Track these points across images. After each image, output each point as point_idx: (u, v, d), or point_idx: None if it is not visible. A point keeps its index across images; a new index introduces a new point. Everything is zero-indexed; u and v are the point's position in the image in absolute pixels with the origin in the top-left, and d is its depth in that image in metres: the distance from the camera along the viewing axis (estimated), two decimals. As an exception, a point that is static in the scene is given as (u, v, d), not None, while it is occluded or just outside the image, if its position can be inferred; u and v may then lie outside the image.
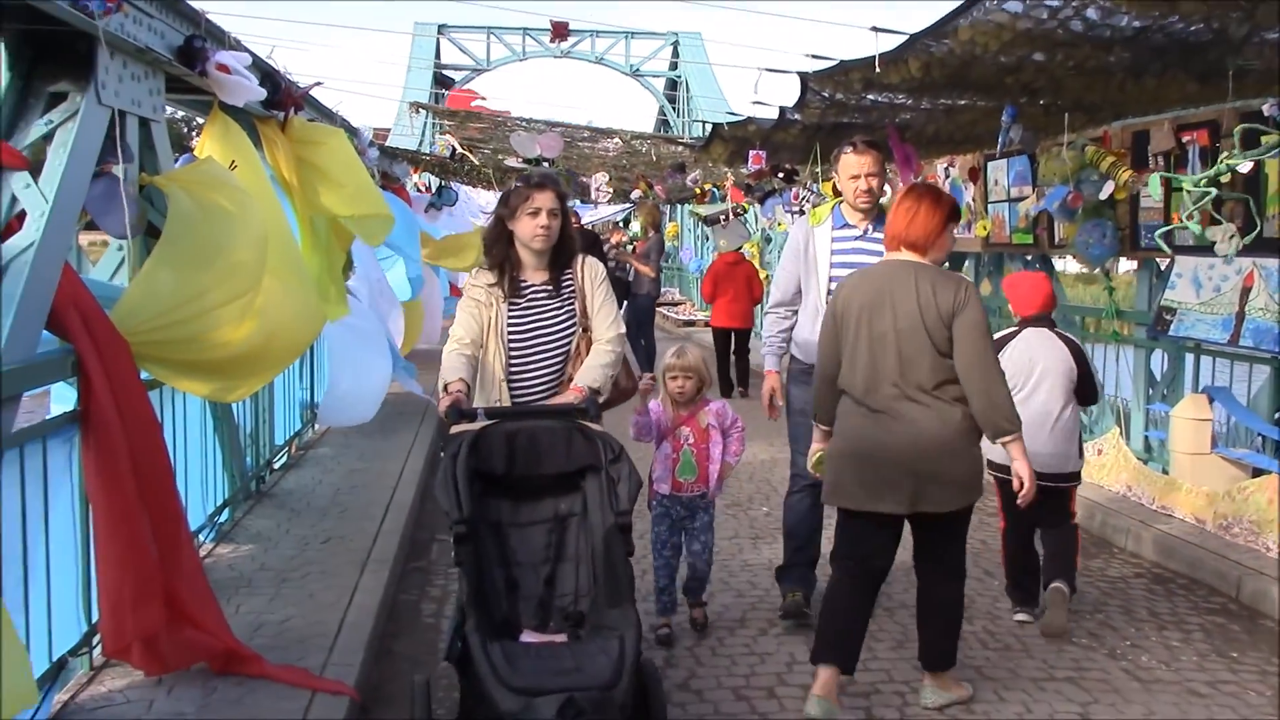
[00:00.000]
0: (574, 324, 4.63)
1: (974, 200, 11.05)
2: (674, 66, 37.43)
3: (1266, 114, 6.37)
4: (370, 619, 5.16)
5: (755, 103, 7.77)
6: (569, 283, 4.67)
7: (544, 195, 4.49)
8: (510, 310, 4.58)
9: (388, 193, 12.07)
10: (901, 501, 4.25)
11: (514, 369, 4.59)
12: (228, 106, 5.94)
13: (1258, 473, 7.28)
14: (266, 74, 7.21)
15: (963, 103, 6.60)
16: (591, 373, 4.54)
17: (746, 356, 13.21)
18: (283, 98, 7.35)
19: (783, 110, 7.50)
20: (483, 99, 16.00)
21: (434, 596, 5.98)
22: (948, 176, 11.51)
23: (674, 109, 36.34)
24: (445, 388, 4.41)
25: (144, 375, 4.35)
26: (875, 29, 4.83)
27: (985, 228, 10.81)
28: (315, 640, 4.82)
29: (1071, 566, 5.57)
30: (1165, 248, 7.05)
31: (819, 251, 5.28)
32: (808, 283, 5.34)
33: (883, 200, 5.29)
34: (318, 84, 7.83)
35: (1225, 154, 7.29)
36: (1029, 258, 10.81)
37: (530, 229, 4.49)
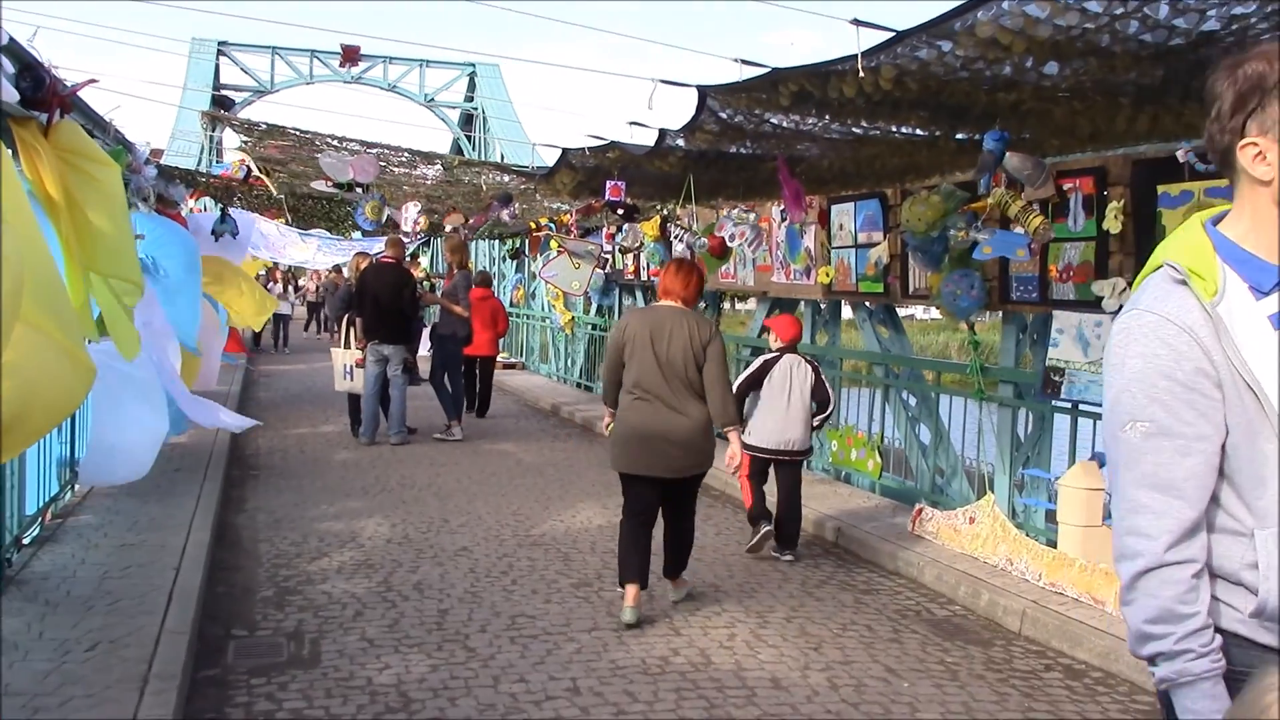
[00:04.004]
0: None
1: (814, 245, 10.47)
2: (470, 99, 36.33)
3: (1182, 160, 5.86)
4: (155, 768, 3.94)
5: (632, 123, 6.87)
6: None
7: None
8: None
9: (164, 219, 10.66)
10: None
11: None
12: (-28, 101, 4.67)
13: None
14: (27, 65, 5.92)
15: (902, 131, 5.83)
16: None
17: (490, 382, 15.39)
18: (47, 96, 6.07)
19: (663, 133, 6.59)
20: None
21: (235, 720, 4.76)
22: (783, 219, 10.90)
23: (469, 141, 35.21)
24: None
25: None
26: (856, 21, 3.95)
27: (828, 274, 10.23)
28: (80, 809, 3.59)
29: (799, 518, 7.93)
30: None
31: (1253, 357, 2.02)
32: (1257, 442, 2.02)
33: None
34: (92, 81, 6.51)
35: (1114, 203, 6.88)
36: (870, 306, 10.27)
37: None
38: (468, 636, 5.81)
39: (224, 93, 33.56)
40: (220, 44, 34.58)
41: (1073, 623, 6.08)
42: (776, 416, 7.75)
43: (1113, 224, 6.85)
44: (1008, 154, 5.41)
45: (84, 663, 4.89)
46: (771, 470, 7.90)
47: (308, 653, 5.52)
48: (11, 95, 4.59)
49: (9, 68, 4.64)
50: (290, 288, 30.51)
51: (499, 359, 22.47)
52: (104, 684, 4.65)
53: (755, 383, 7.81)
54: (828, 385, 8.13)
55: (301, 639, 5.72)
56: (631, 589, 6.18)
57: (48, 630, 5.29)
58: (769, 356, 7.93)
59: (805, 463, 8.28)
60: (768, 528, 7.74)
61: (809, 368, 7.92)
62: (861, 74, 4.15)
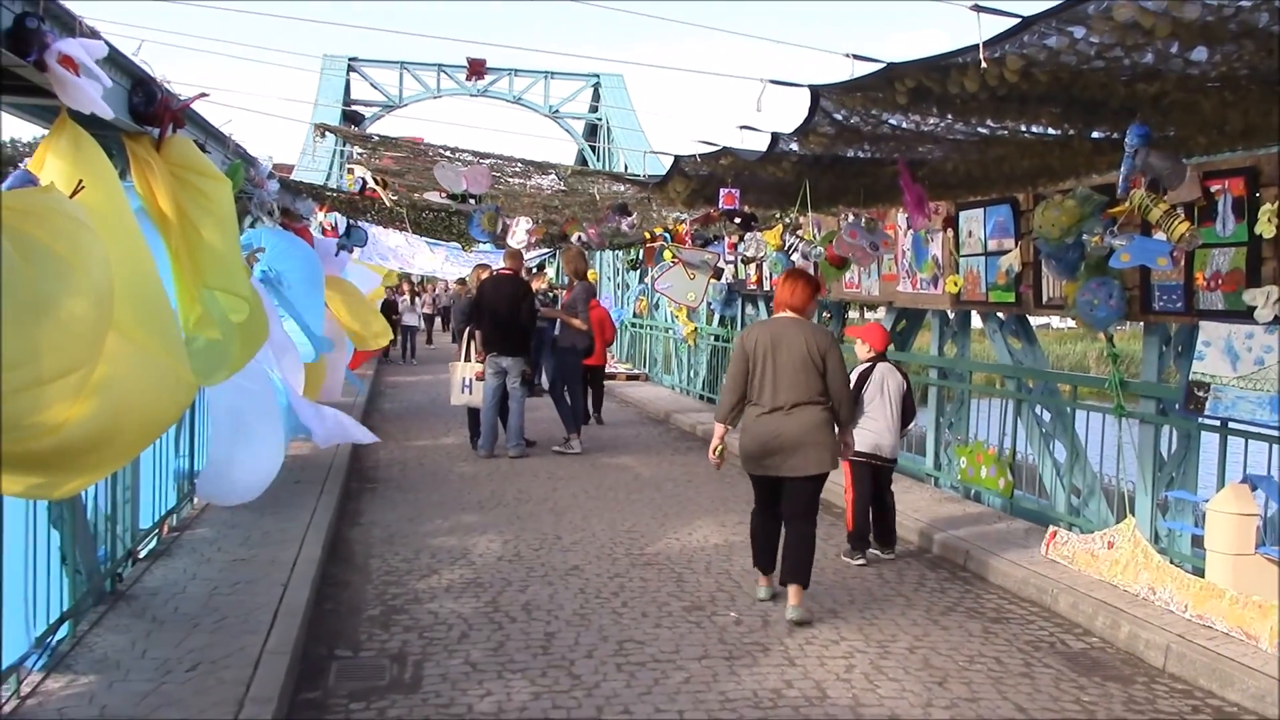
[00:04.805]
0: None
1: (942, 253, 10.05)
2: (594, 109, 36.39)
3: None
4: (242, 800, 3.81)
5: (743, 127, 6.59)
6: None
7: None
8: None
9: (286, 232, 10.75)
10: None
11: None
12: (84, 117, 4.63)
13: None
14: (139, 81, 5.94)
15: (1030, 130, 5.42)
16: None
17: (602, 389, 15.65)
18: (158, 110, 6.08)
19: (776, 137, 6.30)
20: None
21: (331, 748, 4.63)
22: (909, 227, 10.51)
23: (594, 151, 35.27)
24: None
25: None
26: (977, 7, 3.61)
27: (956, 283, 9.80)
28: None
29: (893, 530, 8.14)
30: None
31: None
32: None
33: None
34: (203, 95, 6.52)
35: (1268, 206, 6.38)
36: (1001, 316, 9.80)
37: None
38: (573, 662, 5.61)
39: (354, 108, 34.21)
40: (350, 60, 35.27)
41: (1223, 660, 5.61)
42: (866, 423, 7.84)
43: (1266, 228, 6.34)
44: (1148, 151, 4.97)
45: (183, 683, 4.82)
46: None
47: (410, 676, 5.38)
48: (107, 112, 4.52)
49: (106, 80, 4.58)
50: (416, 300, 30.87)
51: (621, 370, 22.54)
52: (200, 707, 4.57)
53: (856, 392, 7.75)
54: (914, 396, 8.34)
55: (405, 661, 5.59)
56: (763, 578, 6.84)
57: (151, 649, 5.24)
58: (864, 366, 8.04)
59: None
60: (862, 561, 7.87)
61: (901, 377, 8.11)
62: (984, 65, 3.79)
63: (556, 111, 36.88)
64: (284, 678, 5.00)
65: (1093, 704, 5.29)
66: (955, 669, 5.71)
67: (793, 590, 6.48)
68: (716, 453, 6.86)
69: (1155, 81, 4.05)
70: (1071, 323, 9.09)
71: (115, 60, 5.50)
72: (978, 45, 3.71)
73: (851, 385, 7.64)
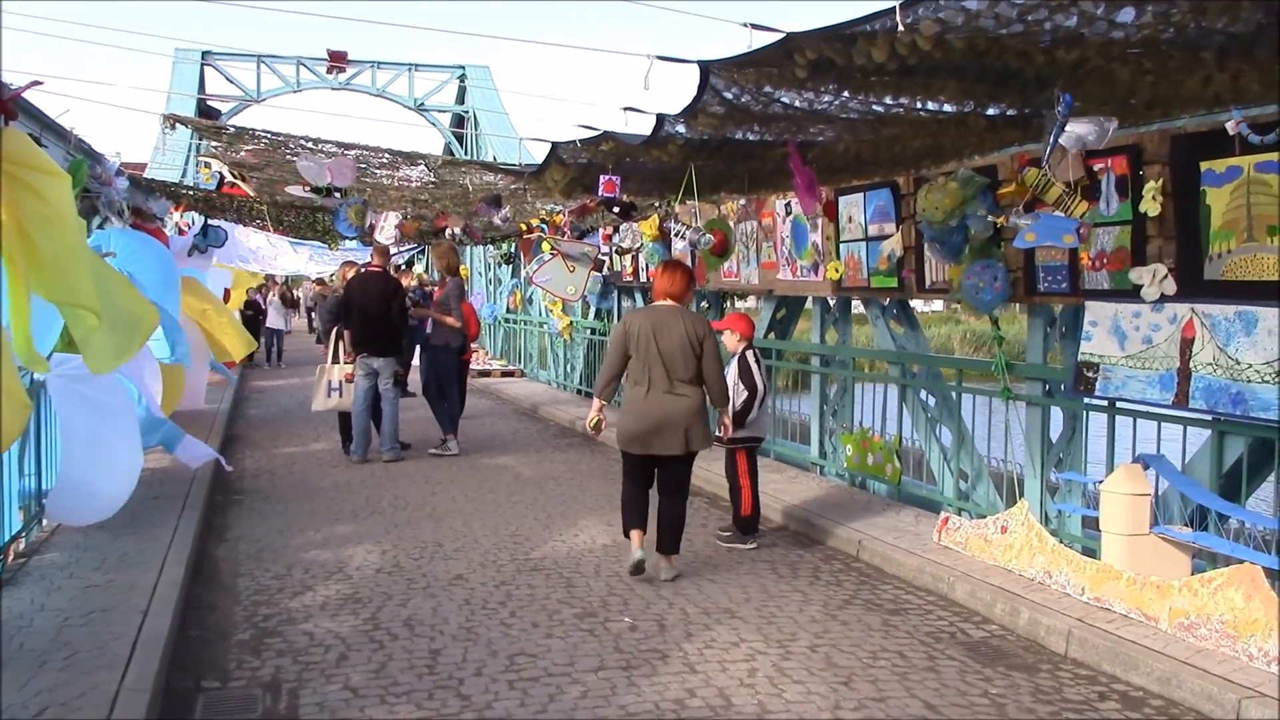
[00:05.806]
0: None
1: (822, 240, 9.93)
2: (461, 100, 35.73)
3: (1233, 132, 5.32)
4: None
5: (627, 109, 6.27)
6: None
7: None
8: None
9: (138, 233, 10.15)
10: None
11: None
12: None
13: (1196, 557, 6.27)
14: (-40, 68, 5.40)
15: (927, 107, 5.20)
16: None
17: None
18: (-15, 100, 5.55)
19: (661, 119, 5.99)
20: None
21: (198, 793, 4.22)
22: (789, 213, 10.38)
23: (460, 145, 34.61)
24: None
25: None
26: None
27: (837, 270, 9.69)
28: None
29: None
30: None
31: None
32: None
33: None
34: (36, 83, 5.98)
35: (1151, 183, 6.35)
36: (883, 302, 9.73)
37: None
38: (461, 681, 5.26)
39: (210, 103, 32.96)
40: (205, 54, 33.94)
41: (1125, 643, 5.53)
42: (766, 406, 8.32)
43: (1150, 206, 6.32)
44: (1069, 122, 4.81)
45: (28, 732, 4.35)
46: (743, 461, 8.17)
47: (284, 707, 4.97)
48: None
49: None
50: (285, 302, 29.83)
51: (496, 366, 22.17)
52: (48, 758, 4.12)
53: (752, 380, 7.99)
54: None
55: (278, 690, 5.18)
56: (636, 534, 7.04)
57: (-8, 693, 4.75)
58: (749, 354, 8.11)
59: None
60: (754, 545, 7.97)
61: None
62: (901, 28, 3.55)
63: (422, 105, 36.13)
64: (144, 717, 4.56)
65: (1001, 696, 5.15)
66: (859, 666, 5.53)
67: (669, 558, 7.08)
68: (593, 424, 7.20)
69: (1075, 48, 3.86)
70: (937, 306, 9.15)
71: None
72: (894, 9, 3.47)
73: (751, 375, 7.97)
